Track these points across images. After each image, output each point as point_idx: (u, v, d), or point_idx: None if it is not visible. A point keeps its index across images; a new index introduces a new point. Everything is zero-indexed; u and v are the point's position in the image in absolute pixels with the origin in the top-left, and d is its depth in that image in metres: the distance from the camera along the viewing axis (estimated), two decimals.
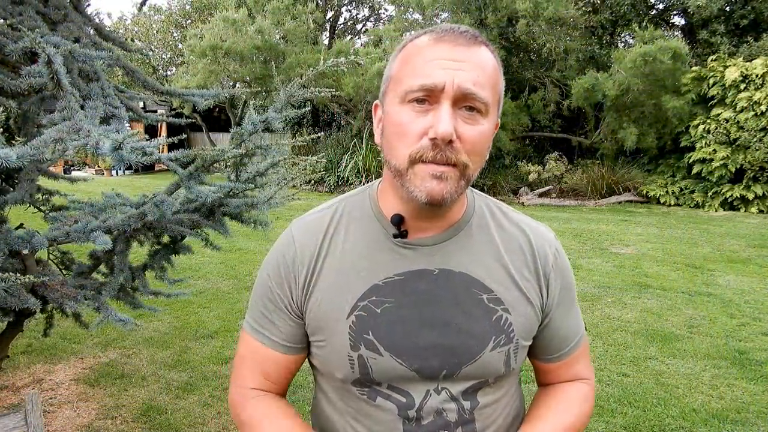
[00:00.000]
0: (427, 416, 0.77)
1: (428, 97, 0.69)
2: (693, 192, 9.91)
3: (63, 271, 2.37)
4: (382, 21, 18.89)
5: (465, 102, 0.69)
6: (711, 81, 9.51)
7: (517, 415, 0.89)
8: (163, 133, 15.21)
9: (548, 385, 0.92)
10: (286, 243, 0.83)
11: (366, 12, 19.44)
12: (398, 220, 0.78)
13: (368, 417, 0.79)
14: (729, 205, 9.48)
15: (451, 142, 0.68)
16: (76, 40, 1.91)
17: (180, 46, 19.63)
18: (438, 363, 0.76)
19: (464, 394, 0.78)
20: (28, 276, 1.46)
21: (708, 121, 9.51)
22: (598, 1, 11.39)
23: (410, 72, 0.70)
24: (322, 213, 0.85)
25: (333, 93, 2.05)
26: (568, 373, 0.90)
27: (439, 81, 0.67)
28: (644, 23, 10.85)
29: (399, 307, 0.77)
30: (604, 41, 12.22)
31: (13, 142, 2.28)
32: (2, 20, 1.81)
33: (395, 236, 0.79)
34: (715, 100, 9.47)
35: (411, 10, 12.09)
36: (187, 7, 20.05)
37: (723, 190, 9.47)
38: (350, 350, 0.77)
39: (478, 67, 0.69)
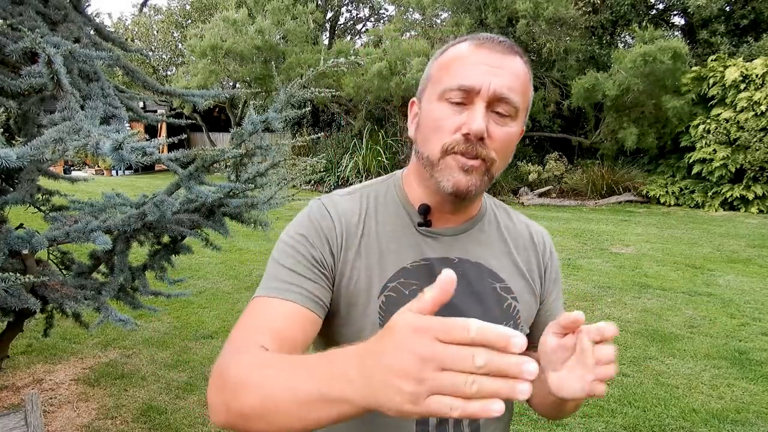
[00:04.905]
0: None
1: (464, 97, 0.74)
2: (693, 192, 9.91)
3: (63, 271, 2.36)
4: (382, 21, 18.89)
5: (498, 104, 0.74)
6: (711, 81, 9.51)
7: (509, 404, 0.93)
8: (163, 133, 15.20)
9: None
10: (321, 214, 0.82)
11: (366, 12, 19.44)
12: (425, 210, 0.83)
13: None
14: (729, 205, 9.48)
15: (482, 138, 0.73)
16: (76, 41, 1.91)
17: (180, 46, 19.63)
18: None
19: None
20: (28, 276, 1.46)
21: (708, 121, 9.50)
22: (598, 1, 11.38)
23: (450, 73, 0.76)
24: (352, 196, 0.86)
25: (333, 93, 2.05)
26: None
27: (477, 83, 0.73)
28: (644, 23, 10.84)
29: None
30: (604, 41, 12.21)
31: (14, 142, 2.28)
32: (2, 20, 1.81)
33: (420, 224, 0.83)
34: (715, 100, 9.47)
35: (411, 10, 12.09)
36: (187, 7, 20.04)
37: (723, 190, 9.46)
38: (379, 329, 0.77)
39: (512, 74, 0.75)
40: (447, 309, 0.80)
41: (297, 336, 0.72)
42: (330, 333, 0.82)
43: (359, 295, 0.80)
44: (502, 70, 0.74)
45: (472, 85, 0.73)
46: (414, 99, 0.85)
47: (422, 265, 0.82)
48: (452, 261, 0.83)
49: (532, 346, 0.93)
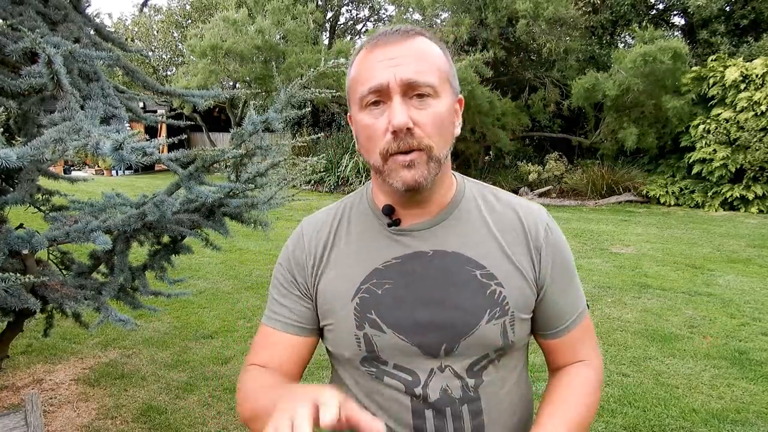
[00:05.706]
0: (434, 393, 0.81)
1: (380, 97, 0.76)
2: (693, 192, 9.90)
3: (63, 271, 2.36)
4: (382, 21, 18.88)
5: (413, 91, 0.75)
6: (711, 81, 9.50)
7: (520, 402, 0.90)
8: (163, 133, 15.20)
9: (556, 371, 0.94)
10: (295, 238, 0.93)
11: (366, 12, 19.43)
12: (389, 211, 0.85)
13: (379, 395, 0.84)
14: (729, 205, 9.47)
15: (409, 129, 0.75)
16: (76, 41, 1.91)
17: (180, 46, 19.63)
18: (437, 338, 0.81)
19: (468, 371, 0.83)
20: (28, 276, 1.46)
21: (708, 121, 9.50)
22: (598, 1, 11.37)
23: (359, 81, 0.79)
24: (328, 211, 0.94)
25: (333, 93, 2.05)
26: (573, 354, 0.92)
27: (383, 80, 0.75)
28: (644, 23, 10.84)
29: (398, 288, 0.83)
30: (604, 41, 12.22)
31: (14, 142, 2.28)
32: (2, 20, 1.81)
33: (389, 225, 0.86)
34: (715, 100, 9.46)
35: (411, 10, 12.09)
36: (187, 7, 20.04)
37: (723, 190, 9.46)
38: (356, 330, 0.83)
39: (415, 56, 0.76)
40: (431, 301, 0.82)
41: (292, 360, 0.89)
42: (324, 337, 0.92)
43: (334, 302, 0.86)
44: (402, 57, 0.75)
45: (380, 83, 0.75)
46: (350, 114, 0.87)
47: (394, 263, 0.84)
48: (426, 254, 0.84)
49: (541, 335, 0.92)
